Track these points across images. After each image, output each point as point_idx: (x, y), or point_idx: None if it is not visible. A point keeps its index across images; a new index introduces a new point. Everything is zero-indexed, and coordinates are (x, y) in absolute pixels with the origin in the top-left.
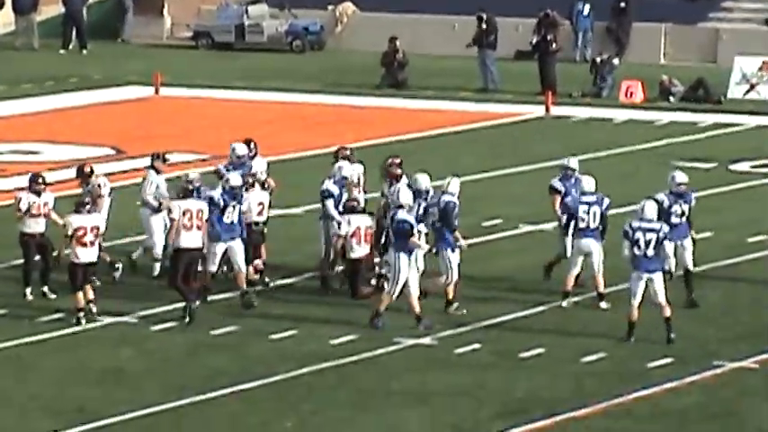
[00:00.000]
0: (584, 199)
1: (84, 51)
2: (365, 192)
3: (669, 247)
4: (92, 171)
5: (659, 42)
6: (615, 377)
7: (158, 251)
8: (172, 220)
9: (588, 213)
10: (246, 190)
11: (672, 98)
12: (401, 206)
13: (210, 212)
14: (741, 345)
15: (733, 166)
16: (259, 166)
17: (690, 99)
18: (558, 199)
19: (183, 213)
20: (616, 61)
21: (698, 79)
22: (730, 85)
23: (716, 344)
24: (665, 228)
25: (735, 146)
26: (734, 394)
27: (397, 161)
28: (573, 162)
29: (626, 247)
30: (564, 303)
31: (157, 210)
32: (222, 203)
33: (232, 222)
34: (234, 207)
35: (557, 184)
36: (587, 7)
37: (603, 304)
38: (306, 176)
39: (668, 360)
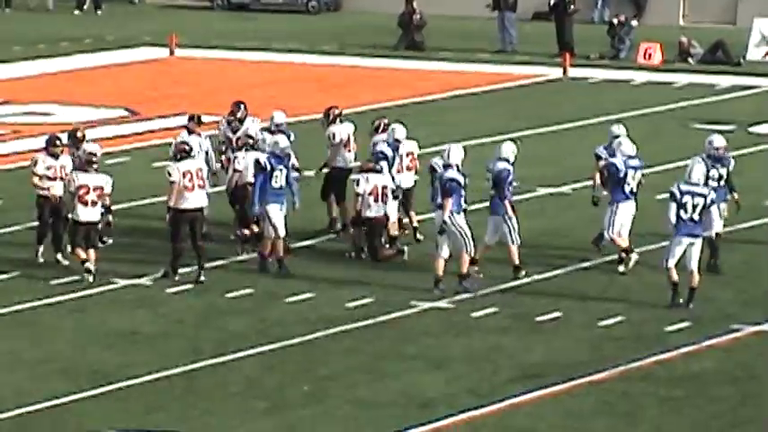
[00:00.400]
0: (631, 163)
1: (99, 12)
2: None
3: (715, 212)
4: (84, 136)
5: (678, 4)
6: (632, 341)
7: None
8: (172, 182)
9: (634, 178)
10: (240, 149)
11: (691, 60)
12: (449, 165)
13: (257, 176)
14: (759, 308)
15: (753, 129)
16: (252, 126)
17: (708, 61)
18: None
19: (183, 175)
20: (634, 23)
21: (717, 41)
22: (749, 46)
23: (734, 307)
24: (713, 194)
25: (754, 108)
26: (752, 357)
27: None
28: (619, 129)
29: (671, 209)
30: (621, 268)
31: None
32: (269, 167)
33: (281, 186)
34: (281, 171)
35: (601, 151)
36: None
37: (621, 267)
38: (321, 138)
39: (686, 324)
